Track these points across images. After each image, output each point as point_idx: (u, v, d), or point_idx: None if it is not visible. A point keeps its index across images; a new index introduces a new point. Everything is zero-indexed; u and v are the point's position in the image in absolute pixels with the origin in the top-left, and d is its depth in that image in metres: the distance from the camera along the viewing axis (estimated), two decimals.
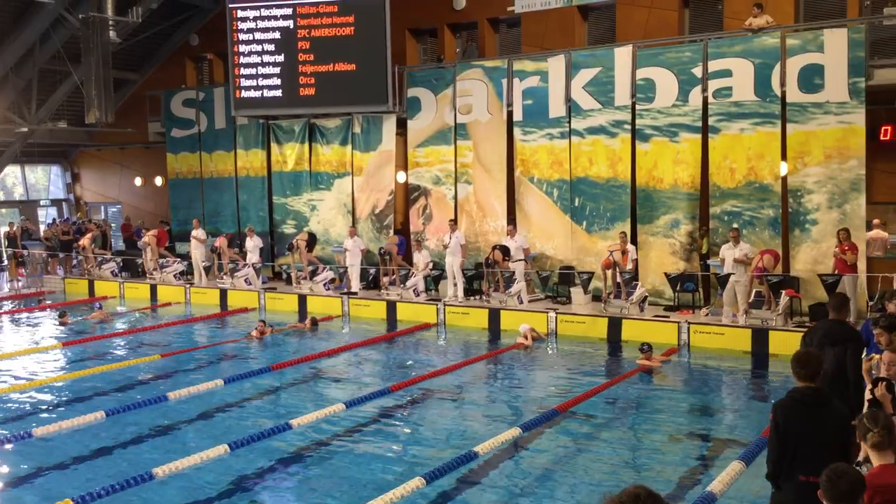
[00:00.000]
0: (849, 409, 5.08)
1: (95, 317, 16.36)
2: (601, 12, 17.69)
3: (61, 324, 15.68)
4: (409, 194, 18.30)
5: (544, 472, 7.77)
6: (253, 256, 18.32)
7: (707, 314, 13.91)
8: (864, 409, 5.22)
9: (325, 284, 17.41)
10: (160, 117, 21.83)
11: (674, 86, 14.86)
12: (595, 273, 15.17)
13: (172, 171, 21.62)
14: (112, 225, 25.07)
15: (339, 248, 18.14)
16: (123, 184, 25.61)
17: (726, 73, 14.41)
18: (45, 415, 9.69)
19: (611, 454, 8.25)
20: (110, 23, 18.30)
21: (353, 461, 8.00)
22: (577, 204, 16.03)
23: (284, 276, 18.85)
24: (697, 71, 14.65)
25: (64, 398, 10.50)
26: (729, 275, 13.30)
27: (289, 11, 17.80)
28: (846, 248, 12.88)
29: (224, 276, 18.49)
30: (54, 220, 25.42)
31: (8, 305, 18.80)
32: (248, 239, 18.45)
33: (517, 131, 16.60)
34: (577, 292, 15.08)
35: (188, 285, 18.85)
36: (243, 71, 18.30)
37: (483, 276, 15.84)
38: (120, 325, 16.18)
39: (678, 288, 14.61)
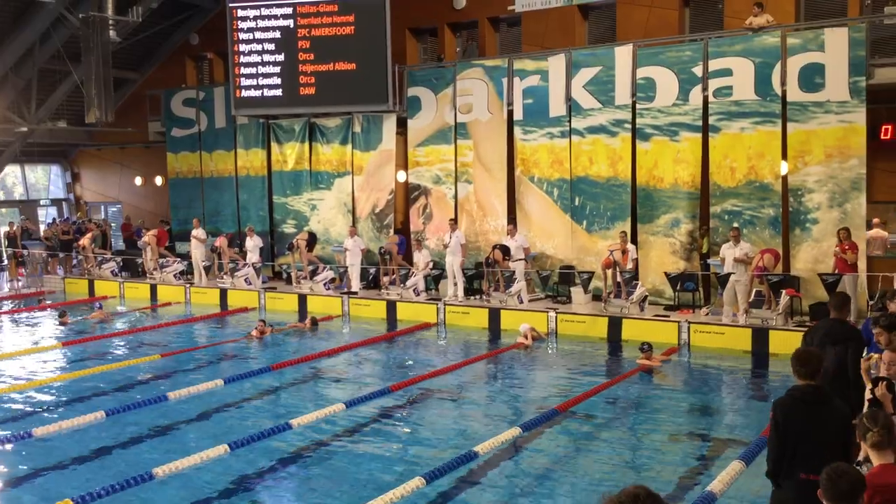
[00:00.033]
0: (849, 407, 5.08)
1: (95, 317, 16.37)
2: (601, 11, 17.68)
3: (61, 324, 15.68)
4: (409, 194, 18.30)
5: (544, 472, 7.77)
6: (253, 256, 18.32)
7: (707, 314, 13.90)
8: (865, 409, 5.21)
9: (325, 284, 17.40)
10: (160, 117, 21.83)
11: (674, 85, 14.85)
12: (595, 272, 15.16)
13: (172, 170, 21.62)
14: (112, 225, 25.07)
15: (339, 248, 18.14)
16: (123, 183, 25.61)
17: (727, 73, 14.40)
18: (45, 415, 9.68)
19: (611, 454, 8.24)
20: (110, 22, 18.31)
21: (353, 461, 8.00)
22: (577, 203, 16.03)
23: (284, 275, 18.85)
24: (698, 70, 14.64)
25: (64, 398, 10.49)
26: (729, 274, 13.29)
27: (289, 11, 17.79)
28: (846, 247, 12.87)
29: (224, 276, 18.49)
30: (54, 219, 25.43)
31: (8, 305, 18.80)
32: (248, 238, 18.45)
33: (517, 130, 16.59)
34: (577, 292, 15.07)
35: (188, 285, 18.85)
36: (243, 70, 18.30)
37: (483, 275, 15.83)
38: (120, 325, 16.18)
39: (678, 287, 14.60)
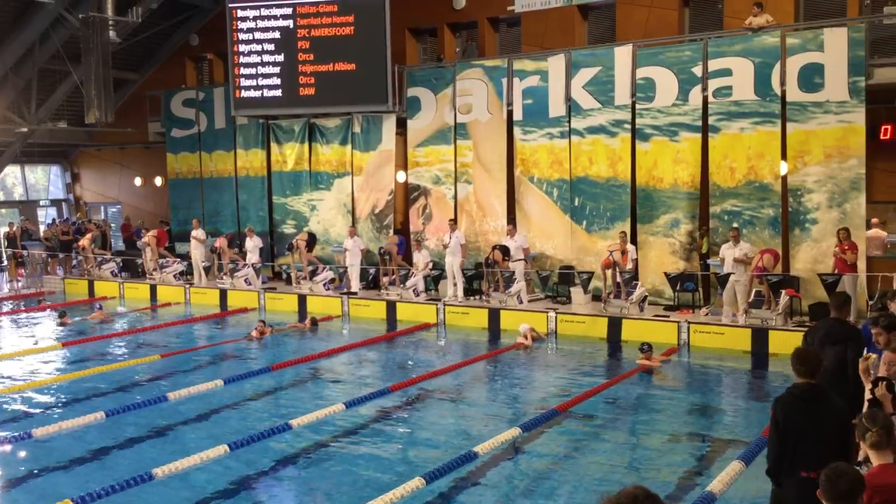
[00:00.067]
0: (848, 406, 5.10)
1: (95, 317, 16.37)
2: (601, 11, 17.69)
3: (61, 324, 15.68)
4: (408, 194, 18.30)
5: (544, 472, 7.77)
6: (253, 256, 18.32)
7: (707, 314, 13.91)
8: (864, 409, 5.22)
9: (324, 284, 17.41)
10: (160, 117, 21.83)
11: (674, 85, 14.86)
12: (595, 273, 15.17)
13: (172, 171, 21.62)
14: (112, 225, 25.07)
15: (339, 248, 18.14)
16: (123, 184, 25.61)
17: (726, 73, 14.40)
18: (45, 415, 9.68)
19: (610, 454, 8.25)
20: (110, 23, 18.29)
21: (352, 461, 8.00)
22: (576, 203, 16.03)
23: (284, 276, 18.85)
24: (697, 70, 14.64)
25: (64, 398, 10.49)
26: (729, 274, 13.29)
27: (288, 11, 17.79)
28: (846, 247, 12.88)
29: (224, 277, 18.49)
30: (54, 220, 25.43)
31: (8, 306, 18.80)
32: (247, 239, 18.45)
33: (517, 131, 16.60)
34: (576, 292, 15.08)
35: (188, 285, 18.86)
36: (243, 71, 18.30)
37: (483, 275, 15.83)
38: (120, 326, 16.17)
39: (678, 287, 14.60)
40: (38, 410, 9.91)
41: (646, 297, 14.36)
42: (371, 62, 17.22)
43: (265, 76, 18.16)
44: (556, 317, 14.35)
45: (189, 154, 21.25)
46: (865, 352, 6.57)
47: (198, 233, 18.88)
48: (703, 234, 15.14)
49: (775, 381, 11.06)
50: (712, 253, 14.56)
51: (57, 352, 13.40)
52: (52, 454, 8.22)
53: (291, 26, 17.81)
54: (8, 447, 8.40)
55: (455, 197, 17.45)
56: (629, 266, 14.39)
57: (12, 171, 25.97)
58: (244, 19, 18.11)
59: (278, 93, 18.15)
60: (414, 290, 16.11)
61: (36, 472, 7.80)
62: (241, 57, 18.25)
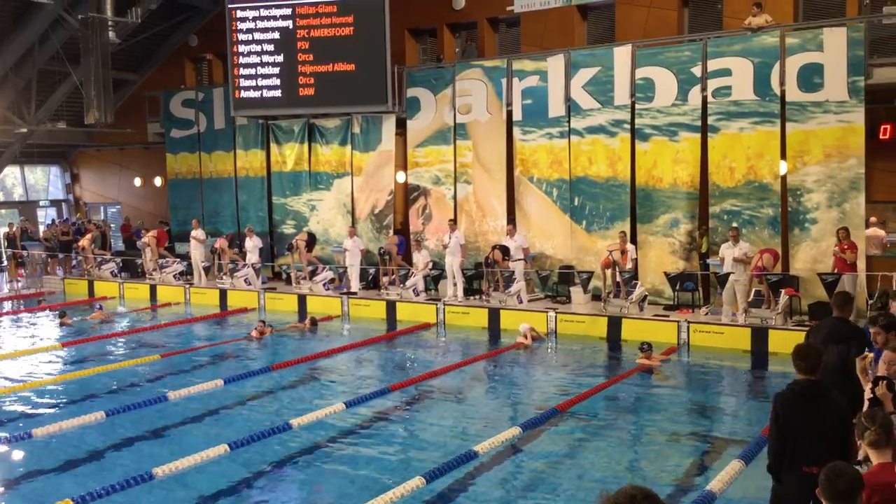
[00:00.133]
0: (849, 403, 5.11)
1: (95, 317, 16.38)
2: (600, 12, 17.69)
3: (61, 324, 15.68)
4: (408, 194, 18.31)
5: (544, 471, 7.77)
6: (252, 256, 18.33)
7: (707, 313, 13.92)
8: (864, 408, 5.23)
9: (324, 284, 17.41)
10: (159, 118, 21.84)
11: (673, 85, 14.87)
12: (595, 272, 15.17)
13: (172, 171, 21.63)
14: (111, 225, 25.07)
15: (338, 248, 18.15)
16: (123, 184, 25.62)
17: (726, 73, 14.41)
18: (45, 415, 9.68)
19: (611, 454, 8.25)
20: (109, 23, 18.31)
21: (352, 461, 8.00)
22: (576, 203, 16.04)
23: (284, 276, 18.85)
24: (697, 70, 14.65)
25: (64, 398, 10.50)
26: (728, 274, 13.30)
27: (288, 11, 17.80)
28: (846, 246, 12.89)
29: (224, 277, 18.49)
30: (53, 220, 25.43)
31: (8, 306, 18.80)
32: (247, 239, 18.46)
33: (517, 131, 16.60)
34: (576, 292, 15.09)
35: (188, 286, 18.86)
36: (242, 71, 18.30)
37: (483, 275, 15.84)
38: (120, 326, 16.18)
39: (678, 287, 14.61)
40: (38, 410, 9.92)
41: (645, 296, 14.37)
42: (370, 62, 17.23)
43: (264, 76, 18.16)
44: (555, 316, 14.36)
45: (188, 154, 21.26)
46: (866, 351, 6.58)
47: (197, 233, 18.89)
48: (702, 233, 15.15)
49: (775, 380, 11.07)
50: (712, 252, 14.57)
51: (57, 352, 13.41)
52: (52, 454, 8.22)
53: (291, 27, 17.81)
54: (8, 447, 8.40)
55: (455, 197, 17.46)
56: (629, 266, 14.40)
57: (12, 172, 25.98)
58: (243, 20, 18.12)
59: (278, 93, 18.15)
60: (414, 290, 16.12)
61: (36, 472, 7.80)
62: (241, 57, 18.25)
